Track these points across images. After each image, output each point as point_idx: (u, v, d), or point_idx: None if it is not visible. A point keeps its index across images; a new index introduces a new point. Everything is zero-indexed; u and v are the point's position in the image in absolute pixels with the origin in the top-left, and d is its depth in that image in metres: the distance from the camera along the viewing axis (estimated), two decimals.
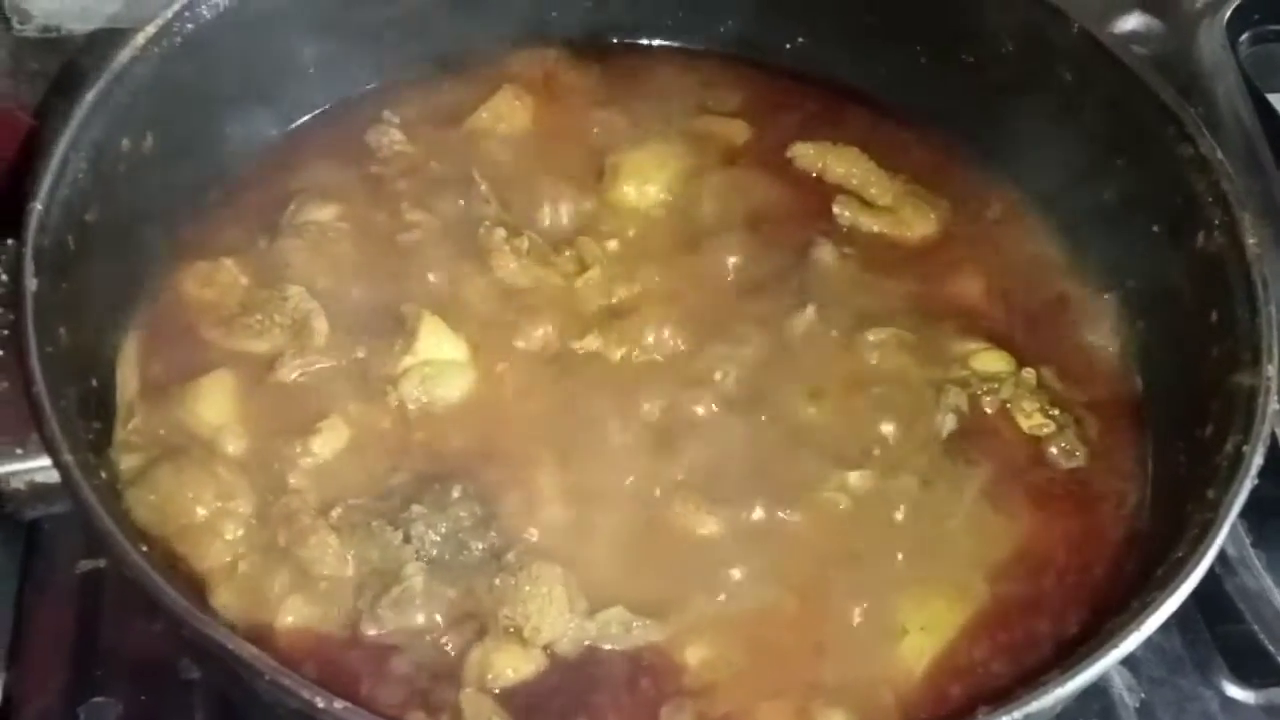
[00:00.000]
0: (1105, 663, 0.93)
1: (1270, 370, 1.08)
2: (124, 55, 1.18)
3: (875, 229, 1.38)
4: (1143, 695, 1.29)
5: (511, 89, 1.44)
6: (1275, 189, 1.38)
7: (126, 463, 1.12)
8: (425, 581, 1.07)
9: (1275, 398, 1.07)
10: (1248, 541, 1.35)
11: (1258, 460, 1.03)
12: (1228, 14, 1.57)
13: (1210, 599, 1.32)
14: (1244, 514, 1.31)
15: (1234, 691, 1.31)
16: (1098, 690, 1.28)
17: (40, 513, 1.09)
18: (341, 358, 1.21)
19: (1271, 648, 1.30)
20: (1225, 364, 1.12)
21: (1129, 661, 1.30)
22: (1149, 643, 1.29)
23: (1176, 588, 0.96)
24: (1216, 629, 1.33)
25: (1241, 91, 1.47)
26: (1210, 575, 1.29)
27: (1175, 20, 1.57)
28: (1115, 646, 0.94)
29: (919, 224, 1.38)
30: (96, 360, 1.15)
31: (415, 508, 1.10)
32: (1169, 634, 1.33)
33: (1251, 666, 1.31)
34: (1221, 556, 1.32)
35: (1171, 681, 1.31)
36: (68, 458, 0.95)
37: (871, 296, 1.32)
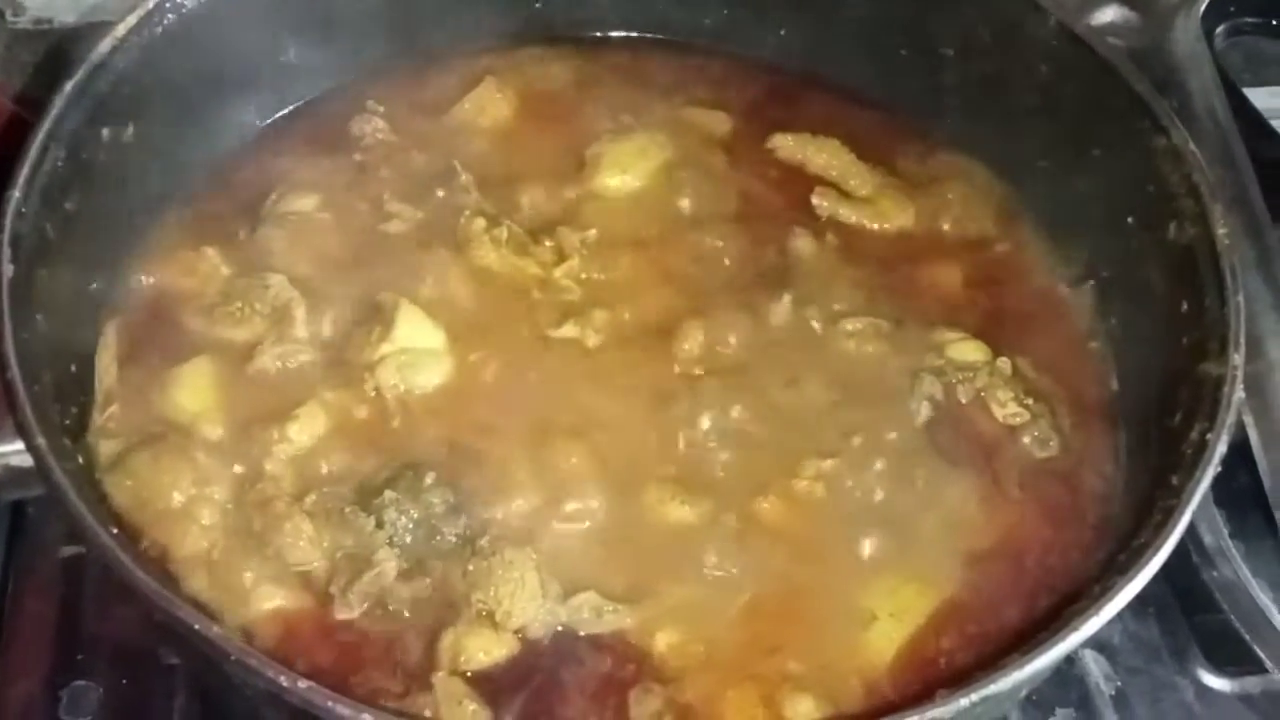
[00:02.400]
0: (1062, 648, 0.94)
1: (1236, 359, 1.09)
2: (104, 45, 1.19)
3: (854, 220, 1.38)
4: (1119, 683, 1.29)
5: (494, 80, 1.44)
6: (1247, 180, 1.38)
7: (105, 449, 1.13)
8: (397, 567, 1.08)
9: (1240, 386, 1.07)
10: (1226, 532, 1.35)
11: (1221, 448, 1.04)
12: (1203, 7, 1.57)
13: (1187, 589, 1.33)
14: (1223, 505, 1.33)
15: (1210, 680, 1.31)
16: (1074, 678, 1.29)
17: (17, 496, 1.10)
18: (320, 346, 1.22)
19: (1247, 637, 1.30)
20: (1194, 353, 1.13)
21: (1106, 650, 1.31)
22: (1126, 631, 1.32)
23: (1136, 574, 0.97)
24: (1194, 618, 1.33)
25: (1216, 84, 1.47)
26: (1188, 565, 1.32)
27: (1151, 13, 1.57)
28: (1074, 630, 0.94)
29: (897, 215, 1.39)
30: (76, 347, 1.16)
31: (388, 494, 1.11)
32: (1146, 623, 1.33)
33: (1227, 655, 1.31)
34: (1200, 547, 1.33)
35: (1148, 670, 1.31)
36: (40, 441, 0.96)
37: (849, 286, 1.33)
